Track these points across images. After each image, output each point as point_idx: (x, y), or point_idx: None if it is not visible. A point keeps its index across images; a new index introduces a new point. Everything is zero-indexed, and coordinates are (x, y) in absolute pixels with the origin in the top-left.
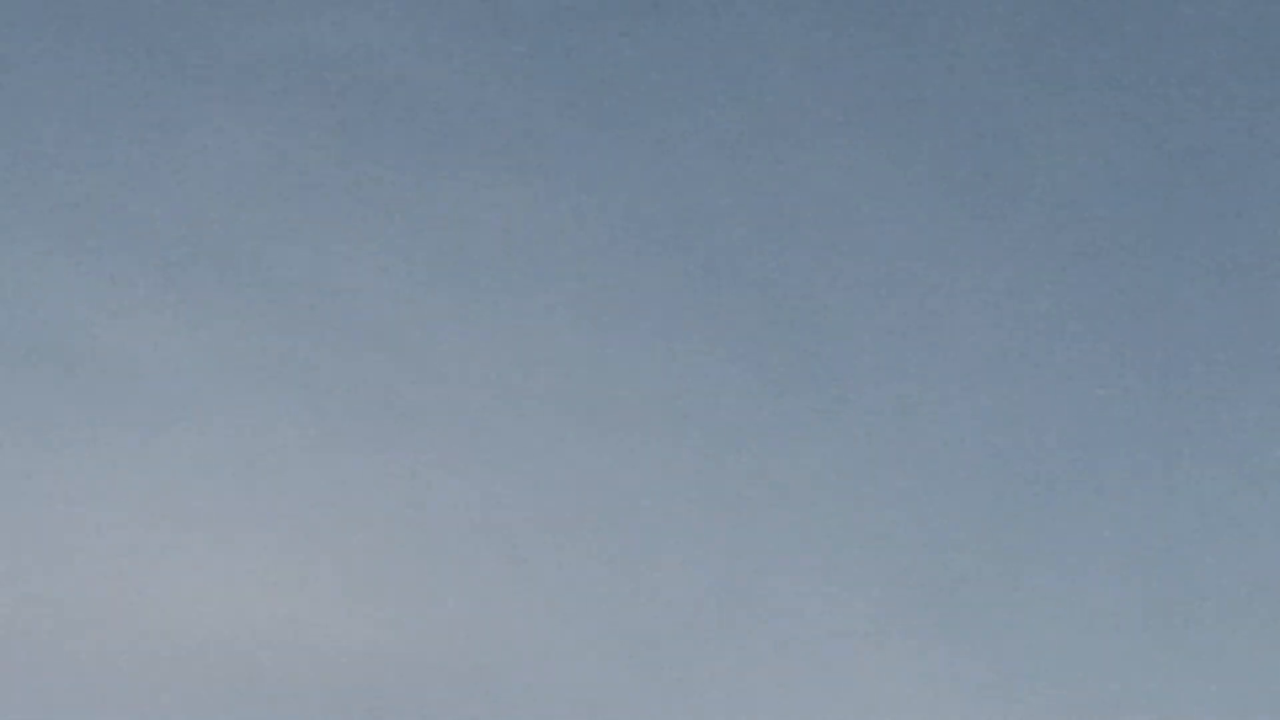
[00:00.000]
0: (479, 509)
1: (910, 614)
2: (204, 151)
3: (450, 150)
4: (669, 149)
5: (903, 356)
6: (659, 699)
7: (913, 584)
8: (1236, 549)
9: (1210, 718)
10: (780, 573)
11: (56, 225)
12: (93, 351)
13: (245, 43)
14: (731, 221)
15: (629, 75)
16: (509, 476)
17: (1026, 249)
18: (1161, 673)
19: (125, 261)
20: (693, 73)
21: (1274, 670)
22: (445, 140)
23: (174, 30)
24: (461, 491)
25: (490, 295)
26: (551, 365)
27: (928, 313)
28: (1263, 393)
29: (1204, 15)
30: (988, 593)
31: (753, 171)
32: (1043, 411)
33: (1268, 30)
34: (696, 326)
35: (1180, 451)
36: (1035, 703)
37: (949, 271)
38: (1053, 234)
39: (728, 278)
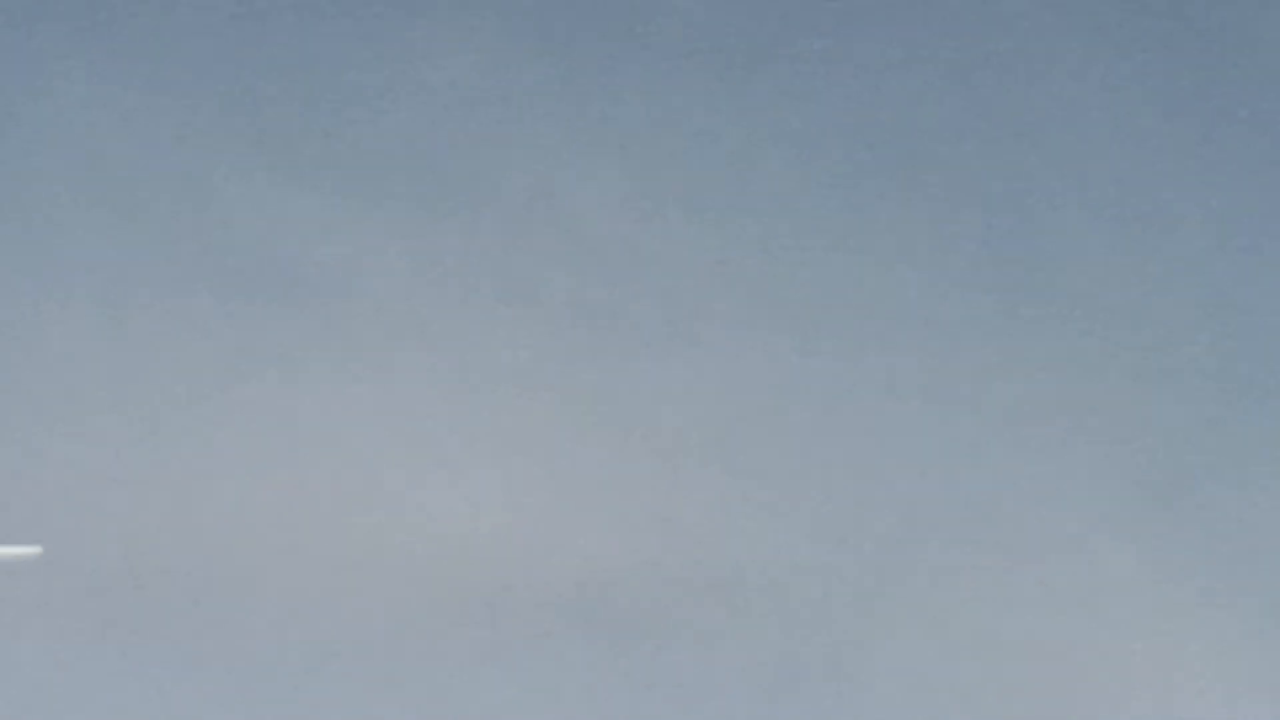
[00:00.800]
0: (710, 424)
1: (1137, 510)
2: (423, 71)
3: (674, 66)
4: (895, 66)
5: (1127, 259)
6: (889, 603)
7: (1140, 480)
8: None
9: None
10: (1005, 476)
11: (279, 153)
12: (320, 275)
13: None
14: (957, 137)
15: None
16: (739, 392)
17: (1246, 150)
18: None
19: (351, 184)
20: None
21: None
22: (670, 56)
23: None
24: (691, 406)
25: (714, 210)
26: (778, 280)
27: (1151, 213)
28: None
29: None
30: (1213, 489)
31: (978, 89)
32: (1268, 304)
33: None
34: (921, 240)
35: None
36: (1266, 602)
37: (1171, 174)
38: (1275, 137)
39: (953, 192)
